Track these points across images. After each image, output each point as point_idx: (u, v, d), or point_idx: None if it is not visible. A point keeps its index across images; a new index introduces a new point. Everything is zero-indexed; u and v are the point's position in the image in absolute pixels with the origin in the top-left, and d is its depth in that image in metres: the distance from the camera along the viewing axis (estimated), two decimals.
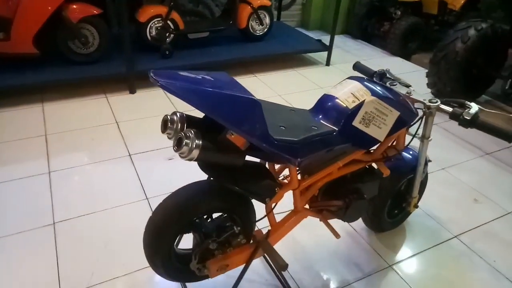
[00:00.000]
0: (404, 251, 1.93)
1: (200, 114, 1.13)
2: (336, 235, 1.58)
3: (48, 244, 1.81)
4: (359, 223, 2.01)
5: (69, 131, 2.67)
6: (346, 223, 2.01)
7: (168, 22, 3.41)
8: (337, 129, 1.34)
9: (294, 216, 1.49)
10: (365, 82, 1.44)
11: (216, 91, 1.03)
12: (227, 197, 1.31)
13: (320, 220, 1.61)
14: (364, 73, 1.78)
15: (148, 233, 1.29)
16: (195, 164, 1.22)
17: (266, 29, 4.06)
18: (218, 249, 1.34)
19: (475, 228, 2.10)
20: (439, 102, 1.49)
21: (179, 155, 1.09)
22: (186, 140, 1.07)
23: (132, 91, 3.25)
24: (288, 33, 4.43)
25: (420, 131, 1.60)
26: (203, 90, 1.02)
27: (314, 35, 4.78)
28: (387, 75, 1.64)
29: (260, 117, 1.11)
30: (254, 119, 1.10)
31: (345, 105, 1.37)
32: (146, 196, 2.14)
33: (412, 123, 1.54)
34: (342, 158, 1.44)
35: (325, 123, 1.36)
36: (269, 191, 1.31)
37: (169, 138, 1.18)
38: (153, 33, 3.45)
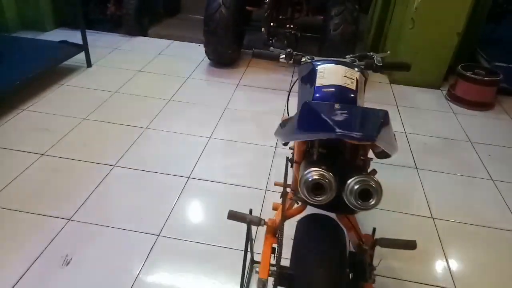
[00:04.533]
0: None
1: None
2: None
3: None
4: None
5: None
6: None
7: None
8: None
9: None
10: (337, 63, 1.56)
11: None
12: None
13: None
14: (269, 57, 1.84)
15: None
16: None
17: None
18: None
19: None
20: (357, 61, 1.80)
21: (359, 209, 0.95)
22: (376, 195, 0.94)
23: None
24: (12, 45, 3.40)
25: None
26: None
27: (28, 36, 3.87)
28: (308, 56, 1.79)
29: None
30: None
31: (353, 89, 1.47)
32: None
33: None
34: None
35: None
36: None
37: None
38: None
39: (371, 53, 1.83)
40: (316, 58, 1.83)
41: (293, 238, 1.34)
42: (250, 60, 4.00)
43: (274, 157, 2.56)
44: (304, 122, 1.05)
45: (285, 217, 1.38)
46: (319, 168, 0.98)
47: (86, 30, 3.53)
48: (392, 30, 3.80)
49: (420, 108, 3.43)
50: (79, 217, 1.98)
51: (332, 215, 1.39)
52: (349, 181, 0.97)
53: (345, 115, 0.94)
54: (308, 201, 1.00)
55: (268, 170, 2.44)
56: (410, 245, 1.35)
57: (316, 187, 0.97)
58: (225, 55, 3.65)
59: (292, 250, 1.29)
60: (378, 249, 1.27)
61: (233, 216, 1.38)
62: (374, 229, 1.35)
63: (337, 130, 0.88)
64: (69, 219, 1.96)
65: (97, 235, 1.88)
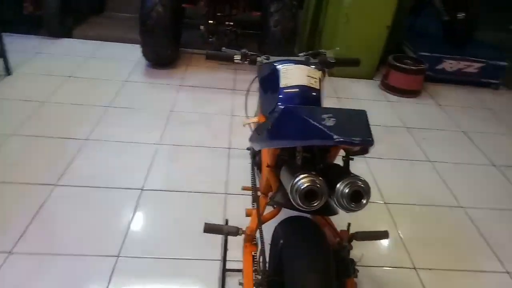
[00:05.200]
0: None
1: None
2: None
3: None
4: None
5: None
6: None
7: None
8: None
9: None
10: (297, 63, 1.56)
11: None
12: None
13: None
14: (223, 58, 1.79)
15: None
16: None
17: None
18: None
19: None
20: (311, 59, 1.82)
21: (351, 211, 0.96)
22: (367, 195, 0.95)
23: None
24: None
25: None
26: None
27: None
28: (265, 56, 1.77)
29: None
30: None
31: (317, 88, 1.48)
32: None
33: None
34: None
35: None
36: None
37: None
38: None
39: (322, 50, 1.87)
40: (272, 58, 1.82)
41: (270, 243, 1.32)
42: (190, 59, 3.88)
43: (230, 159, 2.52)
44: (291, 128, 1.02)
45: (261, 222, 1.36)
46: (309, 174, 0.97)
47: (9, 33, 3.15)
48: (327, 25, 3.93)
49: (358, 98, 3.60)
50: (20, 249, 1.76)
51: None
52: (338, 185, 0.97)
53: (333, 119, 0.93)
54: (301, 208, 0.98)
55: (225, 172, 2.39)
56: (383, 235, 1.40)
57: (309, 194, 0.95)
58: (164, 56, 3.50)
59: (275, 256, 1.27)
60: None
61: (210, 229, 1.33)
62: (349, 224, 1.38)
63: (335, 136, 0.87)
64: (9, 252, 1.73)
65: (46, 267, 1.69)
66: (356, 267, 1.25)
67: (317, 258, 1.10)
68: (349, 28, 3.61)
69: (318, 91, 1.53)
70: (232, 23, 3.64)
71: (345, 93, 3.62)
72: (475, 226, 2.19)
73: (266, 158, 1.53)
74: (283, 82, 1.51)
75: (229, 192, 2.23)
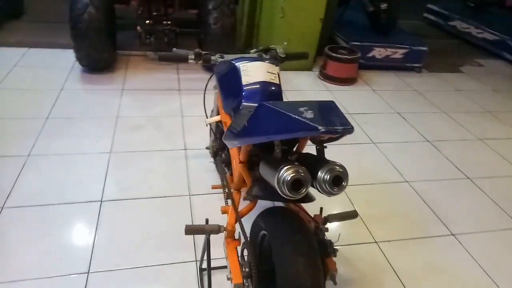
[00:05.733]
0: None
1: None
2: None
3: None
4: None
5: None
6: None
7: None
8: None
9: None
10: (257, 60, 1.60)
11: None
12: None
13: None
14: (176, 59, 1.78)
15: None
16: None
17: None
18: None
19: None
20: (263, 54, 1.87)
21: (334, 194, 1.04)
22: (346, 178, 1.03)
23: None
24: None
25: None
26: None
27: None
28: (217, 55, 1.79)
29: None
30: None
31: (278, 83, 1.54)
32: None
33: None
34: None
35: None
36: None
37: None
38: None
39: (273, 45, 1.94)
40: (226, 56, 1.85)
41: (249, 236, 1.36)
42: (127, 62, 3.73)
43: (188, 160, 2.49)
44: (271, 123, 1.06)
45: (239, 217, 1.39)
46: (293, 165, 1.02)
47: None
48: (263, 20, 4.02)
49: (301, 89, 3.75)
50: None
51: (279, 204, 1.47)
52: (320, 172, 1.03)
53: (310, 111, 0.99)
54: (288, 198, 1.03)
55: (185, 173, 2.37)
56: (353, 215, 1.52)
57: (296, 183, 1.00)
58: (100, 60, 3.33)
59: (258, 246, 1.32)
60: None
61: (191, 230, 1.33)
62: (321, 209, 1.47)
63: (320, 127, 0.93)
64: None
65: None
66: (334, 247, 1.34)
67: (303, 243, 1.17)
68: (285, 22, 3.73)
69: (279, 85, 1.60)
70: (170, 22, 3.57)
71: (289, 86, 3.75)
72: (420, 197, 2.42)
73: (237, 155, 1.56)
74: (244, 79, 1.55)
75: (192, 193, 2.22)
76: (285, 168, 1.01)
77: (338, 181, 1.03)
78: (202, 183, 2.29)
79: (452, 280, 1.88)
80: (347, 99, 3.64)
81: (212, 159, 2.23)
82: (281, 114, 1.01)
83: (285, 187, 1.00)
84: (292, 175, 1.00)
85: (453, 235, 2.15)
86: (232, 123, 1.43)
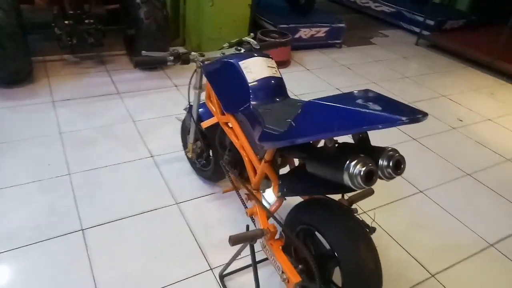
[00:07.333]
0: None
1: None
2: None
3: None
4: None
5: None
6: None
7: None
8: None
9: None
10: (253, 56, 1.57)
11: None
12: None
13: None
14: (155, 62, 1.67)
15: None
16: None
17: None
18: None
19: None
20: (242, 49, 1.83)
21: (396, 176, 1.09)
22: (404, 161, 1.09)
23: None
24: None
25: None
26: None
27: None
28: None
29: None
30: None
31: (280, 76, 1.53)
32: None
33: None
34: None
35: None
36: None
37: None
38: None
39: (245, 38, 1.92)
40: (207, 54, 1.78)
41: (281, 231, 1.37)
42: (46, 69, 3.29)
43: (159, 167, 2.34)
44: (332, 119, 1.04)
45: (271, 214, 1.39)
46: (359, 157, 1.04)
47: None
48: (189, 10, 3.87)
49: None
50: None
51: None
52: (381, 160, 1.08)
53: (370, 102, 1.01)
54: (360, 188, 1.05)
55: (163, 182, 2.23)
56: (370, 192, 1.60)
57: (369, 175, 1.03)
58: (20, 70, 2.88)
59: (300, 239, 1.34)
60: None
61: (236, 240, 1.28)
62: (343, 194, 1.53)
63: (404, 118, 0.91)
64: None
65: None
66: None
67: (357, 228, 1.23)
68: (216, 10, 3.65)
69: (282, 79, 1.60)
70: (92, 21, 3.22)
71: None
72: None
73: (252, 155, 1.53)
74: (249, 77, 1.51)
75: (179, 201, 2.11)
76: (354, 162, 1.03)
77: (398, 165, 1.09)
78: (184, 189, 2.19)
79: (437, 233, 2.13)
80: (288, 81, 3.65)
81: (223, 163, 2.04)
82: (346, 110, 1.01)
83: (359, 180, 1.03)
84: (364, 168, 1.02)
85: (421, 192, 2.42)
86: (265, 123, 1.37)
